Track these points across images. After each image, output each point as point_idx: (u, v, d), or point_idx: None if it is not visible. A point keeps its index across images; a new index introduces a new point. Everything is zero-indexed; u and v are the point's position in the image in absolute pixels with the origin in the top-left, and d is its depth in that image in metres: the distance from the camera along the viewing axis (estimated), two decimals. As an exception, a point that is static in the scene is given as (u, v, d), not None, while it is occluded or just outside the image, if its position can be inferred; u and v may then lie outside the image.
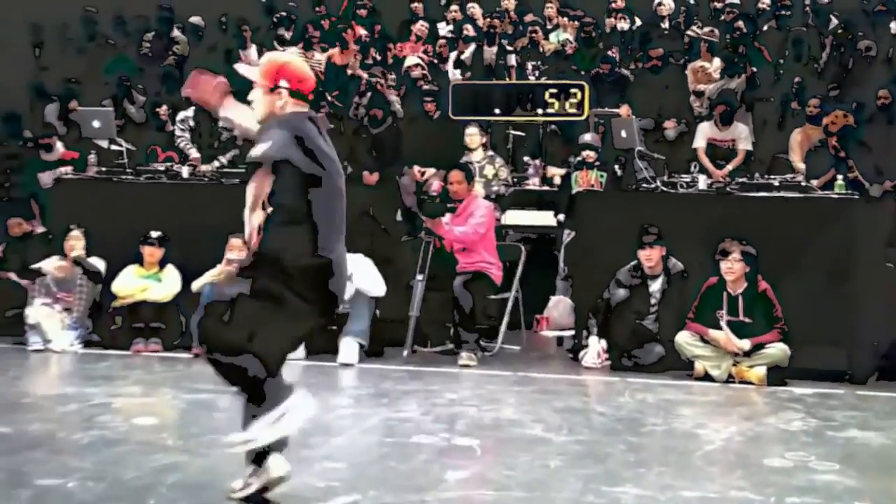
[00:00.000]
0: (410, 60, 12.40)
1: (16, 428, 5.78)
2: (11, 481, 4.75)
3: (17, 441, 5.49)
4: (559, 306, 9.55)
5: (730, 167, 9.90)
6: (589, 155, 10.26)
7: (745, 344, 7.50)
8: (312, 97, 4.45)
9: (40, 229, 10.09)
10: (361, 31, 13.26)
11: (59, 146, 10.93)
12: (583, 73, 11.87)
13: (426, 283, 8.64)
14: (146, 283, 8.64)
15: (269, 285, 4.16)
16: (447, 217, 8.65)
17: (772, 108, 11.39)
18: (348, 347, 8.12)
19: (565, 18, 13.37)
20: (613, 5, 13.35)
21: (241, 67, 4.76)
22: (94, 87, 12.47)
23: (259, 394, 4.21)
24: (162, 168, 9.72)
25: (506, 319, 8.73)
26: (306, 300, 4.20)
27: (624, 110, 10.96)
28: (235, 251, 8.53)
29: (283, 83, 4.31)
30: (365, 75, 12.28)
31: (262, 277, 4.19)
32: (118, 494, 4.61)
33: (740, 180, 8.79)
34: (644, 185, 8.95)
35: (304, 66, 4.46)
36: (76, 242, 8.78)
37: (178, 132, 10.36)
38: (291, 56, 4.54)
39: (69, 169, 10.34)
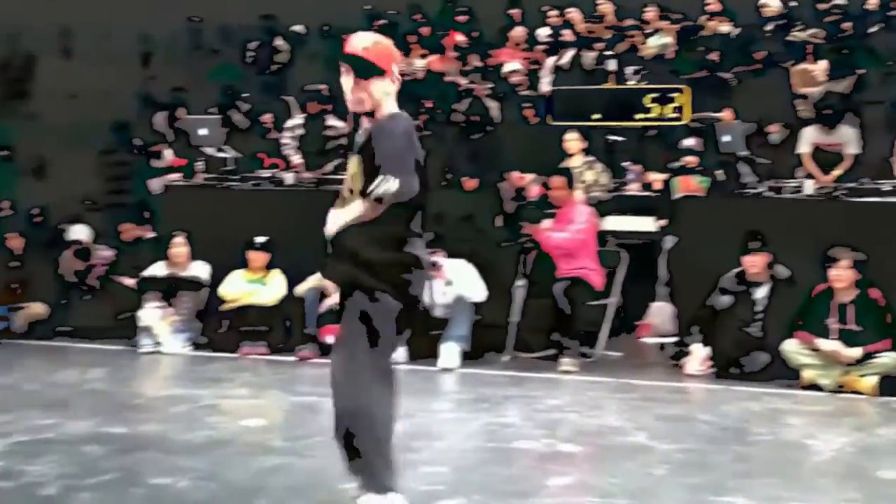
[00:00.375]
0: (509, 66, 12.42)
1: (129, 428, 5.94)
2: (125, 480, 4.88)
3: (130, 441, 5.64)
4: (661, 313, 9.46)
5: (837, 172, 9.68)
6: (690, 160, 10.14)
7: (856, 353, 7.33)
8: None
9: (150, 234, 10.39)
10: (460, 38, 13.33)
11: (169, 153, 11.22)
12: (683, 76, 11.74)
13: (527, 288, 8.66)
14: (252, 287, 8.83)
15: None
16: (546, 223, 8.65)
17: (881, 111, 11.11)
18: (449, 352, 8.16)
19: (665, 22, 13.23)
20: (708, 8, 13.17)
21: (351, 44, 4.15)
22: (200, 96, 12.78)
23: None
24: (267, 175, 9.91)
25: (606, 325, 8.69)
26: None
27: (726, 114, 10.82)
28: (338, 257, 8.66)
29: (395, 68, 3.98)
30: (464, 81, 12.34)
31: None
32: (227, 495, 4.70)
33: (848, 185, 8.60)
34: (748, 190, 8.81)
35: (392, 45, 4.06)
36: (180, 249, 9.01)
37: (285, 139, 10.56)
38: (376, 37, 4.10)
39: (178, 176, 10.62)
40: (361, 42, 4.00)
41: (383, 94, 3.97)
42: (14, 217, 10.82)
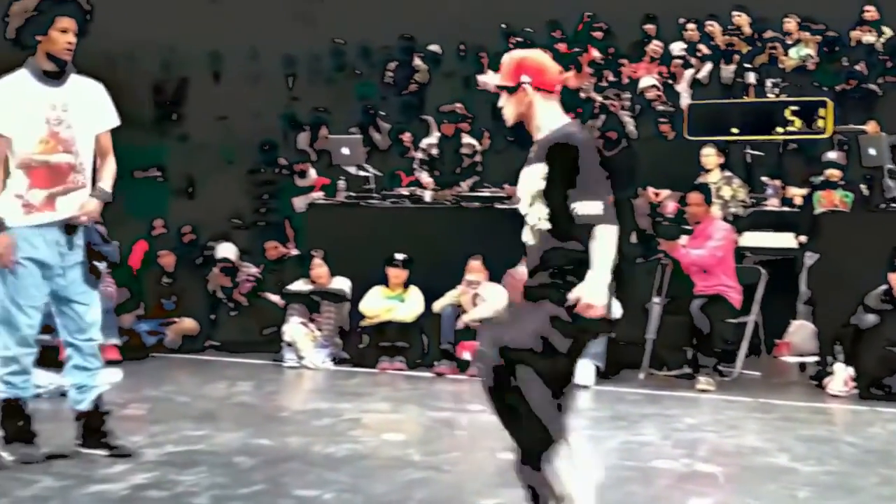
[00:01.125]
0: (645, 82, 12.36)
1: (275, 440, 6.15)
2: (273, 491, 5.06)
3: (276, 452, 5.84)
4: (801, 331, 9.28)
5: None
6: (833, 174, 9.91)
7: None
8: (559, 88, 4.13)
9: (294, 252, 10.70)
10: (596, 54, 13.34)
11: (312, 172, 11.53)
12: (825, 88, 11.49)
13: (663, 305, 8.61)
14: (391, 303, 9.02)
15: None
16: (684, 239, 8.59)
17: None
18: (584, 369, 8.16)
19: (806, 33, 12.97)
20: (866, 16, 12.84)
21: (483, 77, 4.57)
22: (341, 116, 13.08)
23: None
24: (405, 193, 10.11)
25: (745, 344, 8.58)
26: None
27: (871, 127, 10.54)
28: (475, 273, 8.79)
29: (524, 78, 4.05)
30: (599, 98, 12.33)
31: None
32: (371, 508, 4.85)
33: None
34: (894, 204, 8.58)
35: (545, 57, 4.15)
36: (319, 270, 9.27)
37: (417, 161, 10.76)
38: (529, 51, 4.28)
39: (320, 194, 10.91)
40: (502, 59, 4.21)
41: (521, 106, 4.09)
42: (167, 235, 11.26)
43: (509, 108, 4.12)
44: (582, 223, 3.87)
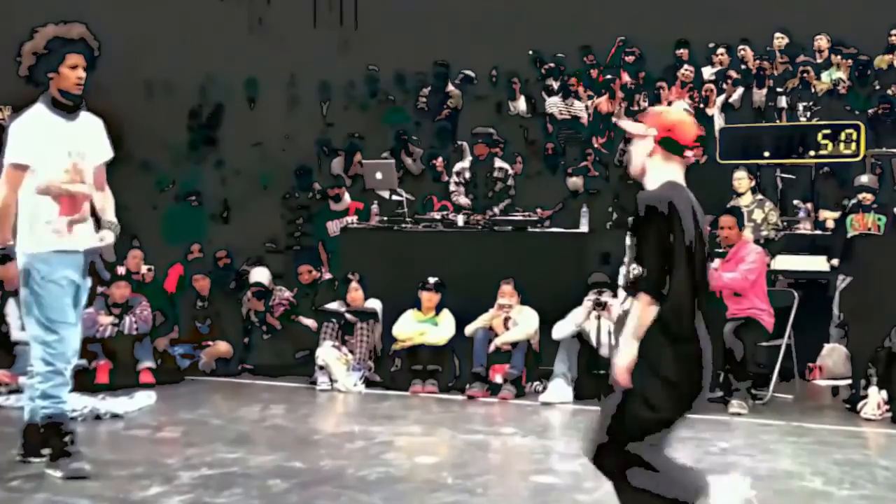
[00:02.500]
0: (676, 106, 12.38)
1: (308, 463, 6.21)
2: (306, 513, 5.15)
3: (310, 475, 5.90)
4: (834, 354, 9.20)
5: None
6: (866, 197, 9.89)
7: None
8: (692, 148, 4.04)
9: (328, 276, 10.78)
10: (627, 79, 13.39)
11: (346, 197, 11.63)
12: (857, 112, 11.47)
13: (695, 328, 8.59)
14: (424, 326, 9.06)
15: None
16: (716, 262, 8.60)
17: None
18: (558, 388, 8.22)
19: (838, 56, 12.96)
20: (893, 40, 12.82)
21: (624, 123, 4.44)
22: (375, 141, 13.18)
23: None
24: (438, 217, 10.18)
25: (777, 367, 8.55)
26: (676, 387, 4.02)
27: (904, 150, 10.51)
28: (506, 296, 8.84)
29: (650, 130, 4.02)
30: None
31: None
32: (404, 529, 4.90)
33: None
34: (928, 228, 8.56)
35: (682, 115, 4.11)
36: (356, 293, 9.35)
37: (453, 184, 10.82)
38: (672, 108, 4.29)
39: (354, 218, 11.01)
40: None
41: (643, 156, 4.04)
42: (202, 259, 11.37)
43: (635, 157, 4.07)
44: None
